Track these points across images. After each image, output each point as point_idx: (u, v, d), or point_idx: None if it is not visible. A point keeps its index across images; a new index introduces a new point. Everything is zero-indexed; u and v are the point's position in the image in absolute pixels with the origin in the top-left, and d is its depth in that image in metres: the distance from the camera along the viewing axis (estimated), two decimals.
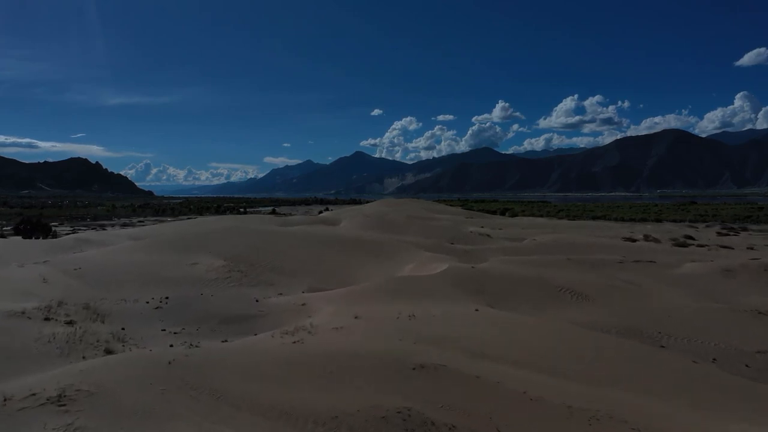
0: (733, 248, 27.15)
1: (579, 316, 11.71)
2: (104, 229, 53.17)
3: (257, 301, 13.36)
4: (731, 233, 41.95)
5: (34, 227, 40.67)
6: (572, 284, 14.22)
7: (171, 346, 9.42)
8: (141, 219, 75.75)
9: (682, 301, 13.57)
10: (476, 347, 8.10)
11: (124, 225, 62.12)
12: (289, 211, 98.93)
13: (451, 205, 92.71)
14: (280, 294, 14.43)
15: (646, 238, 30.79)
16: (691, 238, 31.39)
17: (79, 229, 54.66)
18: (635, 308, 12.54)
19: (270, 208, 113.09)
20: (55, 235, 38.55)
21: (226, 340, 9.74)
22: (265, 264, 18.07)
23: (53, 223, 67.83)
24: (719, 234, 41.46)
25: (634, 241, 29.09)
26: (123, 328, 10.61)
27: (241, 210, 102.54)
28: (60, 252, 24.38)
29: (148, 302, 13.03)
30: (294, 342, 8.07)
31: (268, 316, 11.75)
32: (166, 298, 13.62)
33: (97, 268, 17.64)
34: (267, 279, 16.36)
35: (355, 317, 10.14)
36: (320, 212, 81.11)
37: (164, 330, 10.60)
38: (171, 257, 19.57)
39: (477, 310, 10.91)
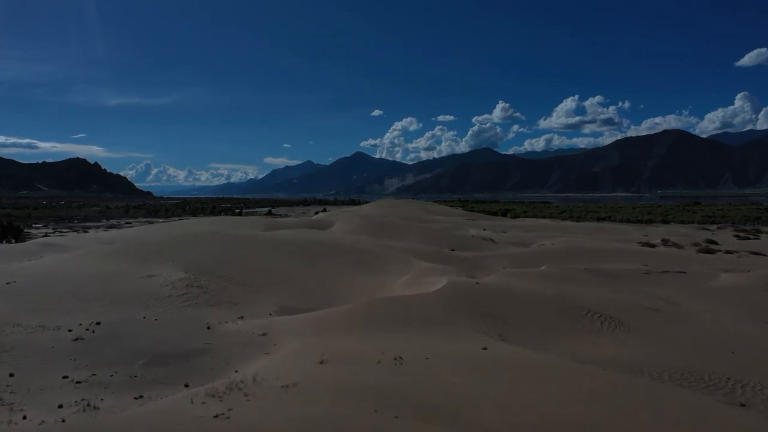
0: (764, 254, 24.46)
1: (619, 353, 9.02)
2: (86, 232, 50.46)
3: (209, 328, 10.67)
4: (750, 236, 39.26)
5: (4, 230, 38.04)
6: (601, 305, 11.50)
7: (60, 406, 6.79)
8: (129, 221, 73.00)
9: (741, 327, 10.85)
10: (489, 422, 5.40)
11: (110, 227, 59.43)
12: (286, 212, 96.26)
13: (451, 206, 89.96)
14: (241, 318, 11.72)
15: (665, 242, 28.09)
16: (713, 242, 28.68)
17: (60, 232, 52.01)
18: (685, 339, 9.84)
19: (266, 209, 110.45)
20: (24, 239, 35.94)
21: (141, 396, 7.08)
22: (233, 277, 15.38)
23: (38, 225, 65.36)
24: (737, 237, 38.77)
25: (652, 246, 26.40)
26: (12, 374, 7.98)
27: (237, 211, 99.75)
28: (15, 259, 21.68)
29: (71, 330, 10.37)
30: (217, 416, 5.39)
31: (214, 353, 9.06)
32: (97, 323, 10.94)
33: (36, 281, 14.98)
34: (231, 296, 13.65)
35: (321, 362, 7.44)
36: (317, 213, 78.46)
37: (66, 377, 7.91)
38: (128, 267, 16.89)
39: (486, 348, 8.21)
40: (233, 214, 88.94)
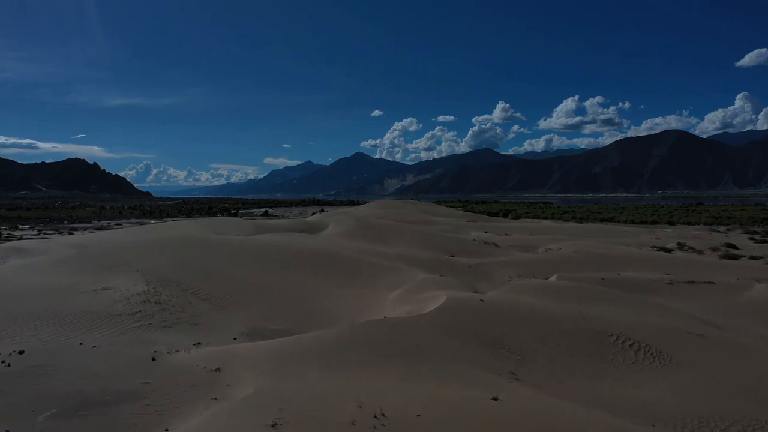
0: None
1: (663, 397, 7.04)
2: (70, 233, 48.51)
3: (154, 359, 8.70)
4: (766, 240, 37.25)
5: None
6: (630, 329, 9.52)
7: None
8: (120, 222, 70.93)
9: None
10: None
11: (98, 228, 57.44)
12: (283, 213, 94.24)
13: (451, 207, 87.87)
14: (197, 344, 9.73)
15: (681, 246, 26.09)
16: (733, 246, 26.69)
17: (45, 233, 50.01)
18: (747, 378, 7.86)
19: (263, 210, 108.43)
20: None
21: None
22: (201, 289, 13.42)
23: (24, 226, 63.30)
24: (753, 240, 36.77)
25: (668, 251, 24.41)
26: None
27: (233, 212, 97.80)
28: None
29: None
30: None
31: (149, 398, 7.09)
32: (20, 352, 9.00)
33: None
34: (193, 314, 11.66)
35: (273, 425, 5.46)
36: (313, 213, 76.48)
37: None
38: (85, 278, 14.93)
39: (497, 398, 6.23)
40: (229, 214, 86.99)
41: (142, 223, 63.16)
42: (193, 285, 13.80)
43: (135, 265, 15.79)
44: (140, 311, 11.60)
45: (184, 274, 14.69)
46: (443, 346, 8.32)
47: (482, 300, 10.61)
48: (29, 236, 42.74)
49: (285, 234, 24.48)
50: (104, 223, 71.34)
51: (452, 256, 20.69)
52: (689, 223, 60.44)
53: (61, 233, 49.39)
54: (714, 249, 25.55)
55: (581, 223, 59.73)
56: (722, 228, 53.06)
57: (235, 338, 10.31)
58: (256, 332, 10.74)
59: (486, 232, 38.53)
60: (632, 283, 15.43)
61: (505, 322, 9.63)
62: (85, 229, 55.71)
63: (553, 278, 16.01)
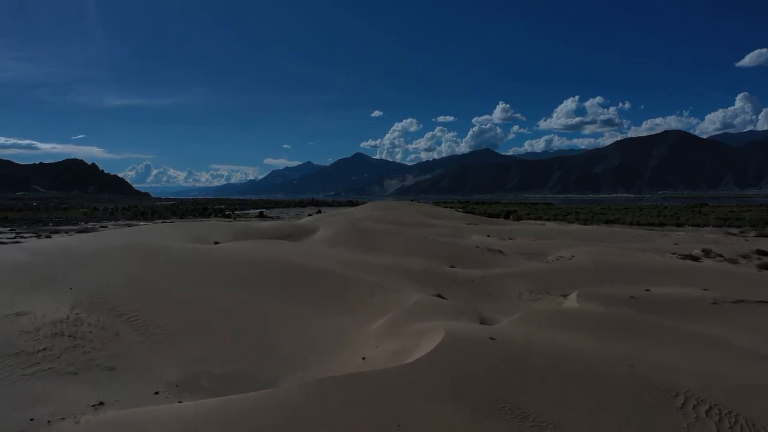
0: None
1: None
2: (48, 237, 45.85)
3: None
4: None
5: None
6: (706, 387, 6.80)
7: None
8: (106, 224, 68.14)
9: None
10: None
11: (82, 230, 54.76)
12: (278, 214, 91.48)
13: (451, 207, 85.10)
14: (99, 404, 7.01)
15: (707, 254, 23.40)
16: (765, 254, 23.99)
17: (21, 236, 47.33)
18: None
19: (258, 211, 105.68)
20: None
21: None
22: (139, 316, 10.73)
23: (6, 228, 60.56)
24: None
25: (695, 259, 21.71)
26: None
27: (227, 213, 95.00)
28: None
29: None
30: None
31: None
32: None
33: None
34: (113, 354, 8.94)
35: None
36: (309, 215, 73.88)
37: None
38: (5, 296, 12.23)
39: None
40: (224, 216, 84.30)
41: (129, 225, 60.38)
42: (132, 309, 11.08)
43: (71, 281, 13.09)
44: (45, 348, 8.90)
45: (126, 294, 11.97)
46: (442, 422, 5.60)
47: (492, 338, 7.89)
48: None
49: (265, 241, 21.76)
50: (90, 225, 68.58)
51: (452, 267, 17.97)
52: (698, 225, 57.61)
53: (38, 236, 46.69)
54: (744, 257, 22.87)
55: (586, 225, 56.95)
56: (735, 230, 50.41)
57: (157, 392, 7.59)
58: (189, 381, 8.01)
59: (488, 236, 35.83)
60: (670, 304, 12.71)
61: (526, 373, 6.92)
62: (66, 232, 52.94)
63: (573, 297, 13.31)
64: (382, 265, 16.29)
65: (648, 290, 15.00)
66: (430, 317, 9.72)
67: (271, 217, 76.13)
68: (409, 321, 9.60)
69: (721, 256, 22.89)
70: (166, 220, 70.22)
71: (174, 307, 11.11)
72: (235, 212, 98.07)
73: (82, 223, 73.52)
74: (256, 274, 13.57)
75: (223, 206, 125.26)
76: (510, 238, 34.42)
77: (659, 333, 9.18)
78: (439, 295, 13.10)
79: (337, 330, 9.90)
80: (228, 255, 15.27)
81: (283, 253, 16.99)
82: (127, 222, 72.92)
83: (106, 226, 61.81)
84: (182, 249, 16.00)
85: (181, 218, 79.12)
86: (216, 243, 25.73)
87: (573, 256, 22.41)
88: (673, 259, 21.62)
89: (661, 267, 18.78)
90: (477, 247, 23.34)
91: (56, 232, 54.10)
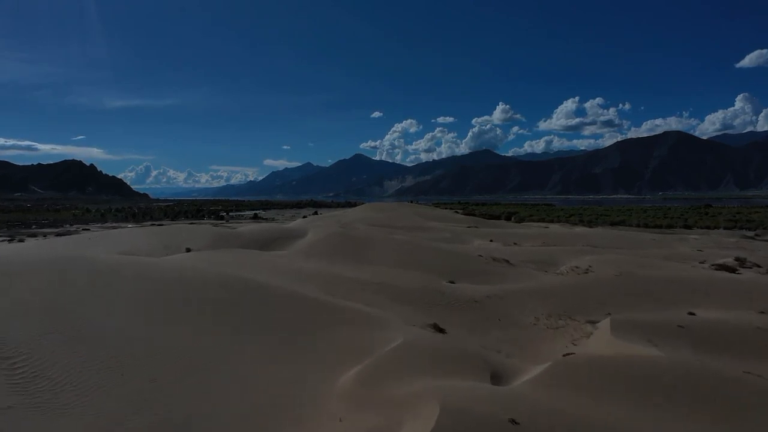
0: None
1: None
2: (21, 241, 43.00)
3: None
4: None
5: None
6: None
7: None
8: (88, 227, 65.35)
9: None
10: None
11: (63, 233, 51.96)
12: (274, 216, 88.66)
13: (450, 209, 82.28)
14: None
15: (742, 263, 20.62)
16: None
17: None
18: None
19: (254, 212, 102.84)
20: None
21: None
22: (32, 361, 7.91)
23: None
24: None
25: (731, 270, 18.92)
26: None
27: (222, 214, 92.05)
28: None
29: None
30: None
31: None
32: None
33: None
34: None
35: None
36: (304, 217, 71.22)
37: None
38: None
39: None
40: (218, 218, 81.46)
41: (114, 227, 57.45)
42: (27, 351, 8.28)
43: None
44: None
45: (32, 327, 9.17)
46: None
47: (514, 421, 5.08)
48: None
49: (235, 252, 18.95)
50: (74, 227, 65.74)
51: (451, 282, 15.16)
52: (708, 228, 54.75)
53: (10, 240, 43.92)
54: None
55: (591, 227, 54.13)
56: (749, 233, 47.68)
57: None
58: None
59: (491, 240, 33.04)
60: (731, 337, 9.92)
61: None
62: (45, 235, 50.07)
63: (605, 325, 10.52)
64: (368, 282, 13.47)
65: (692, 314, 12.22)
66: (422, 370, 6.92)
67: (265, 219, 73.37)
68: (389, 376, 6.80)
69: (758, 266, 20.12)
70: (155, 223, 67.41)
71: (90, 346, 8.30)
72: (230, 214, 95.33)
73: (67, 225, 70.69)
74: (209, 299, 10.76)
75: (219, 207, 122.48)
76: (515, 244, 31.64)
77: (742, 397, 6.37)
78: (435, 325, 10.29)
79: (291, 382, 7.09)
80: (177, 273, 12.45)
81: (250, 269, 14.19)
82: (114, 224, 70.01)
83: (88, 229, 58.95)
84: (124, 264, 13.17)
85: (173, 220, 76.37)
86: (188, 250, 23.04)
87: (590, 266, 19.63)
88: (706, 270, 18.83)
89: (697, 281, 15.98)
90: (480, 255, 20.54)
91: (35, 235, 51.19)
